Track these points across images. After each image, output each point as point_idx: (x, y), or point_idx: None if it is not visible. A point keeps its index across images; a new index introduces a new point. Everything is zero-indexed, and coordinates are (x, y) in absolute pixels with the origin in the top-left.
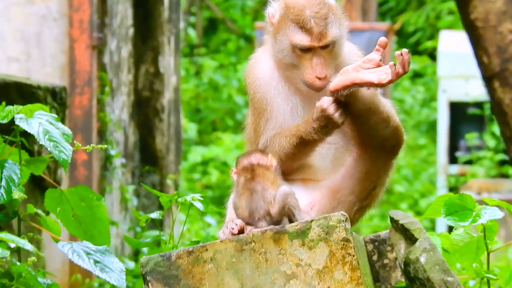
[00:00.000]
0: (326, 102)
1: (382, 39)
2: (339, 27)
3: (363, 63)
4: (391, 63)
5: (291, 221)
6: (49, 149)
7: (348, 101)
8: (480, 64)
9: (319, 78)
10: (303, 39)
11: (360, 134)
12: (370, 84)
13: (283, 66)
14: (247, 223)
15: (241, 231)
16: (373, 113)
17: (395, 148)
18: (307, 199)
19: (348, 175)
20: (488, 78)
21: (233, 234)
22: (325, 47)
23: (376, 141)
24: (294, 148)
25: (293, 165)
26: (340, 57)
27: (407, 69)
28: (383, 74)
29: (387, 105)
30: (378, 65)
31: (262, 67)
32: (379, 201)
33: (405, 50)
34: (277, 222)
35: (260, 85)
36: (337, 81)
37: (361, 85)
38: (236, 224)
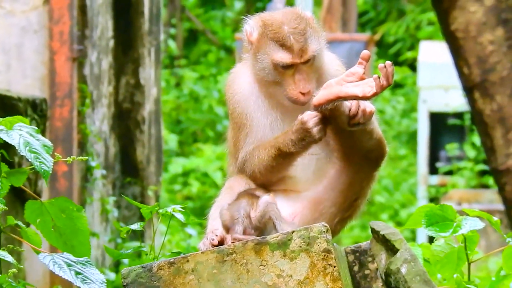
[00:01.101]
0: (307, 116)
1: (365, 52)
2: (318, 41)
3: (346, 77)
4: (375, 76)
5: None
6: (30, 160)
7: (333, 115)
8: (461, 74)
9: (303, 94)
10: (284, 57)
11: (344, 147)
12: (354, 97)
13: (264, 83)
14: (226, 228)
15: (221, 242)
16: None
17: (378, 160)
18: (289, 210)
19: (330, 186)
20: (469, 89)
21: (213, 245)
22: (306, 62)
23: (360, 153)
24: (273, 160)
25: (272, 178)
26: (321, 69)
27: (391, 81)
28: (367, 87)
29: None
30: (362, 78)
31: (241, 82)
32: (360, 212)
33: (388, 63)
34: (255, 228)
35: (240, 100)
36: (320, 95)
37: (345, 98)
38: (216, 235)
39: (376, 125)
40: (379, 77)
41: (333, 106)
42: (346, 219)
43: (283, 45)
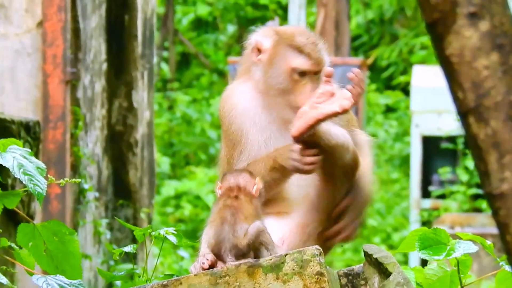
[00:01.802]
0: (294, 153)
1: (328, 69)
2: (327, 55)
3: (317, 99)
4: (348, 86)
5: (257, 256)
6: (24, 182)
7: (316, 140)
8: (455, 99)
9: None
10: (304, 63)
11: (325, 166)
12: (334, 114)
13: (270, 93)
14: (216, 255)
15: (212, 266)
16: (336, 143)
17: (354, 171)
18: (278, 235)
19: (314, 208)
20: (463, 114)
21: (203, 269)
22: (317, 72)
23: (340, 170)
24: (266, 176)
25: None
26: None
27: (364, 86)
28: (343, 100)
29: (340, 130)
30: (332, 95)
31: (239, 96)
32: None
33: (356, 70)
34: (244, 255)
35: (236, 116)
36: (299, 125)
37: (325, 119)
38: (207, 259)
39: (347, 136)
40: (353, 86)
41: (314, 131)
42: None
43: (302, 51)
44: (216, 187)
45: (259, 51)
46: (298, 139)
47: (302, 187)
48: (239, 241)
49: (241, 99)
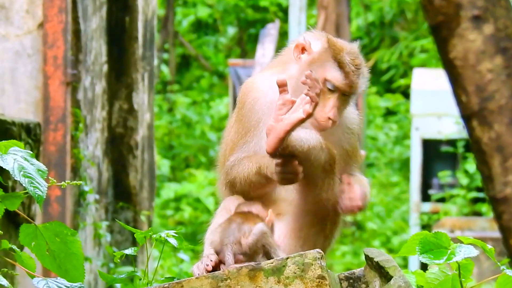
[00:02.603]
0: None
1: (279, 79)
2: (363, 82)
3: (279, 111)
4: (305, 91)
5: (260, 258)
6: (24, 185)
7: (291, 150)
8: (459, 102)
9: (330, 118)
10: (338, 78)
11: (306, 170)
12: (301, 121)
13: (300, 94)
14: (216, 252)
15: (215, 268)
16: (309, 146)
17: (333, 167)
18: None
19: (304, 211)
20: (467, 117)
21: (207, 271)
22: (347, 94)
23: (319, 169)
24: (253, 175)
25: (250, 192)
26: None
27: (320, 86)
28: (305, 105)
29: (308, 132)
30: (293, 102)
31: (266, 87)
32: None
33: (307, 73)
34: (244, 253)
35: (259, 105)
36: (270, 141)
37: (293, 129)
38: (211, 260)
39: (318, 136)
40: (308, 90)
41: (286, 143)
42: (329, 237)
43: (342, 68)
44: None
45: (303, 50)
46: (273, 154)
47: (289, 191)
48: (243, 240)
49: (269, 90)
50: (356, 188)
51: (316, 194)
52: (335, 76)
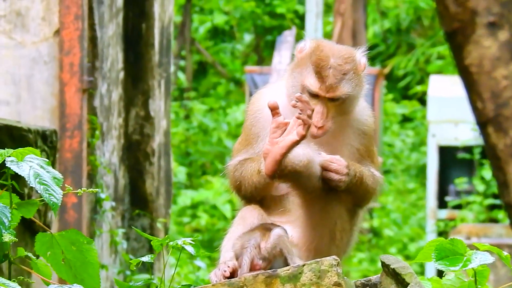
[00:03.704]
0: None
1: (270, 102)
2: (354, 87)
3: (273, 134)
4: (296, 114)
5: (286, 263)
6: (39, 192)
7: (291, 170)
8: (474, 109)
9: (316, 126)
10: (313, 84)
11: (305, 185)
12: (296, 143)
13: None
14: (236, 257)
15: (232, 274)
16: (307, 160)
17: (328, 172)
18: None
19: (310, 225)
20: (482, 123)
21: (225, 277)
22: (332, 99)
23: (316, 180)
24: (256, 176)
25: (254, 194)
26: (348, 114)
27: (311, 107)
28: (298, 127)
29: (303, 148)
30: (286, 124)
31: (265, 101)
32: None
33: (297, 95)
34: (264, 258)
35: (258, 119)
36: (268, 164)
37: (289, 151)
38: (228, 267)
39: (310, 151)
40: (300, 113)
41: (285, 164)
42: (340, 246)
43: (318, 73)
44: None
45: (296, 58)
46: (272, 176)
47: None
48: (262, 244)
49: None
50: (337, 159)
51: (322, 204)
52: (310, 81)
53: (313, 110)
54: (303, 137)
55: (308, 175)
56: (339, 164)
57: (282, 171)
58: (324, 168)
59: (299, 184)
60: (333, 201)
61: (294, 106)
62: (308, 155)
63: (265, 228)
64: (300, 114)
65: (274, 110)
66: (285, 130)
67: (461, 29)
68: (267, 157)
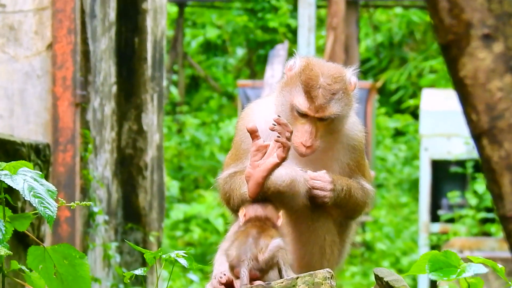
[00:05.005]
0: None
1: (249, 126)
2: (343, 106)
3: (254, 157)
4: (275, 138)
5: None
6: (34, 205)
7: (274, 191)
8: (469, 121)
9: (304, 146)
10: (302, 104)
11: (291, 202)
12: (277, 166)
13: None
14: (232, 267)
15: (228, 282)
16: (291, 179)
17: (314, 190)
18: None
19: (301, 242)
20: (477, 136)
21: (221, 284)
22: (321, 119)
23: (302, 197)
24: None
25: (238, 206)
26: (338, 132)
27: (290, 128)
28: (277, 149)
29: (285, 168)
30: (266, 147)
31: (253, 117)
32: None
33: (275, 118)
34: (260, 269)
35: (246, 137)
36: (250, 187)
37: (270, 173)
38: (224, 275)
39: (293, 168)
40: (278, 136)
41: (267, 186)
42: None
43: (308, 93)
44: (241, 213)
45: (286, 76)
46: (255, 199)
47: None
48: (260, 256)
49: (256, 119)
50: (321, 176)
51: (309, 220)
52: (298, 101)
53: (291, 132)
54: (283, 159)
55: (292, 194)
56: (323, 180)
57: (265, 192)
58: (309, 186)
59: (284, 203)
60: (320, 217)
61: (272, 130)
62: (291, 175)
63: (259, 231)
64: (279, 137)
65: (254, 134)
66: (265, 152)
67: (455, 41)
68: (249, 180)
